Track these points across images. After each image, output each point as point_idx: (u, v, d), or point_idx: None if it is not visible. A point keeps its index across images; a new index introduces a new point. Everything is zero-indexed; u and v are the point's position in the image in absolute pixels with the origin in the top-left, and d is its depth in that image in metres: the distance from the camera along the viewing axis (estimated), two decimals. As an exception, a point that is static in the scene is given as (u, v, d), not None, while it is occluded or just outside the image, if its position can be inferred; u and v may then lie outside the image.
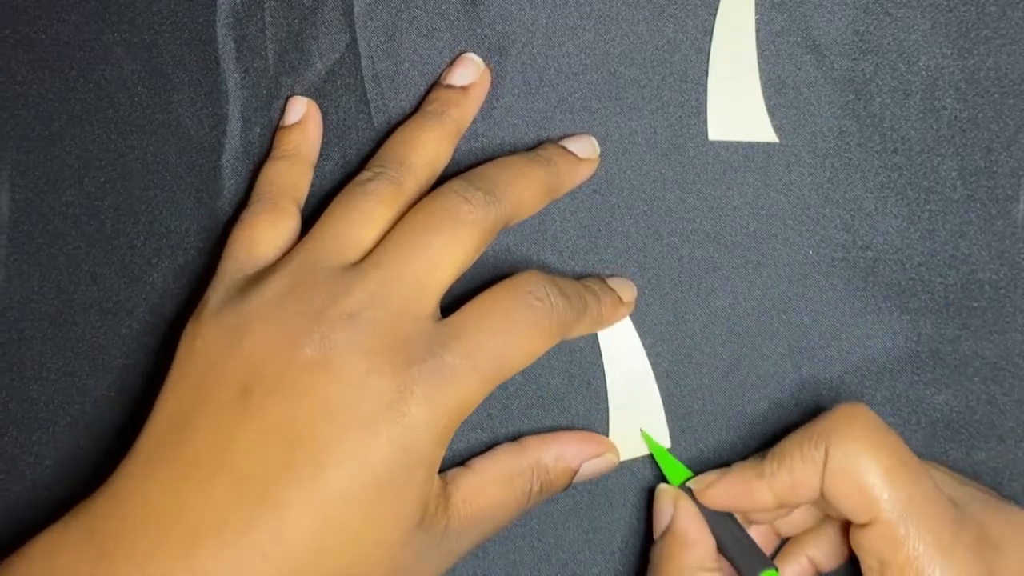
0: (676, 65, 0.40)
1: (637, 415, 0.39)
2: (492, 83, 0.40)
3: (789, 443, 0.35)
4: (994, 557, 0.33)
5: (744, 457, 0.39)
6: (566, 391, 0.40)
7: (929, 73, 0.39)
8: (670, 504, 0.37)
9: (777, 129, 0.40)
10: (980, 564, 0.32)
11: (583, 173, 0.39)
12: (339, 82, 0.41)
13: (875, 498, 0.33)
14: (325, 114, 0.40)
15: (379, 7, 0.40)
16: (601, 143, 0.40)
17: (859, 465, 0.33)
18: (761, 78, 0.40)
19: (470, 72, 0.39)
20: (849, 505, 0.33)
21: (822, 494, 0.34)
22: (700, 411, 0.40)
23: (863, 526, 0.33)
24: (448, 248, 0.34)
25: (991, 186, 0.39)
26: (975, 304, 0.39)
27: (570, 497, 0.39)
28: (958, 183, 0.39)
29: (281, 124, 0.40)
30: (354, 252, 0.35)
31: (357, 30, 0.40)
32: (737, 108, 0.40)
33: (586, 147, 0.39)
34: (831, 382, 0.39)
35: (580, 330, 0.37)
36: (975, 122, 0.39)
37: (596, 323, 0.38)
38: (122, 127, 0.41)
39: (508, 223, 0.36)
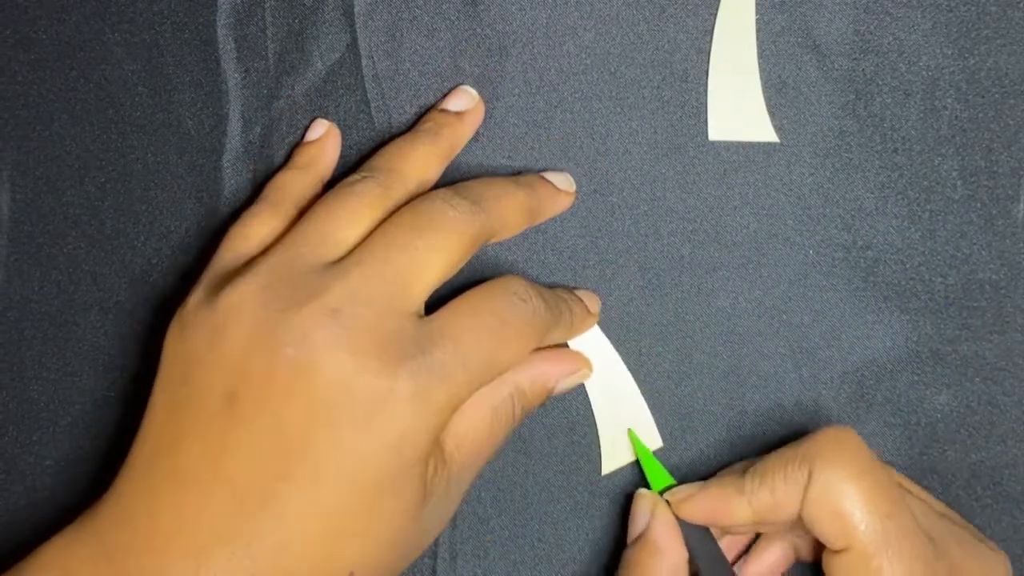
0: (676, 65, 0.40)
1: (624, 422, 0.39)
2: (492, 82, 0.40)
3: (772, 462, 0.35)
4: None
5: (744, 457, 0.39)
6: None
7: (929, 73, 0.39)
8: (647, 511, 0.37)
9: (777, 129, 0.40)
10: None
11: (562, 204, 0.39)
12: (339, 82, 0.41)
13: (853, 527, 0.33)
14: (325, 114, 0.40)
15: (380, 7, 0.40)
16: (601, 143, 0.40)
17: (841, 492, 0.33)
18: (761, 78, 0.40)
19: (464, 101, 0.40)
20: (826, 530, 0.33)
21: (800, 516, 0.34)
22: (700, 411, 0.40)
23: (837, 552, 0.33)
24: (433, 251, 0.34)
25: (991, 186, 0.39)
26: (975, 304, 0.39)
27: (570, 497, 0.39)
28: (958, 183, 0.39)
29: (303, 140, 0.40)
30: (336, 250, 0.34)
31: (357, 30, 0.40)
32: (737, 108, 0.40)
33: (564, 181, 0.39)
34: (831, 382, 0.39)
35: (555, 337, 0.37)
36: (975, 122, 0.39)
37: (568, 331, 0.38)
38: (122, 127, 0.41)
39: (490, 239, 0.36)
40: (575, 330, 0.38)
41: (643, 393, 0.40)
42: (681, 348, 0.40)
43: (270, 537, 0.31)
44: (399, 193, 0.36)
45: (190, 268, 0.40)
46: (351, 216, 0.35)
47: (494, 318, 0.34)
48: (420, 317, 0.34)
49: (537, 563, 0.39)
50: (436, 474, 0.34)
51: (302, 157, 0.40)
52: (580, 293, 0.39)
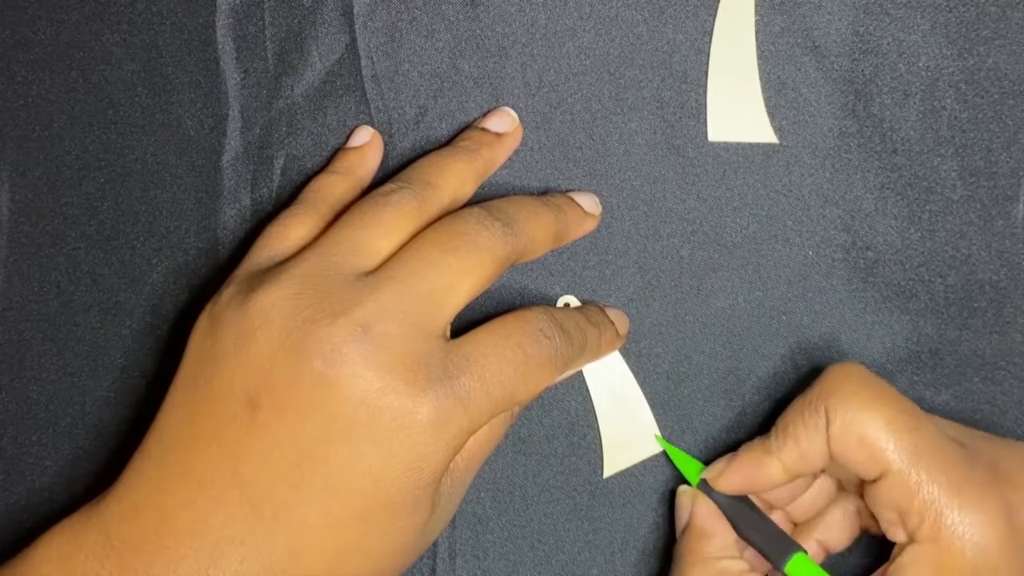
0: (676, 66, 0.40)
1: (627, 423, 0.39)
2: (492, 83, 0.40)
3: (790, 414, 0.35)
4: (1010, 490, 0.33)
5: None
6: (565, 392, 0.40)
7: (929, 73, 0.39)
8: (688, 502, 0.38)
9: (777, 130, 0.40)
10: (997, 497, 0.33)
11: (587, 226, 0.39)
12: (339, 82, 0.41)
13: (882, 450, 0.33)
14: (324, 114, 0.40)
15: (379, 7, 0.40)
16: (601, 144, 0.40)
17: (861, 421, 0.33)
18: (761, 79, 0.40)
19: (506, 123, 0.40)
20: (858, 462, 0.34)
21: (831, 457, 0.34)
22: (700, 412, 0.40)
23: (875, 481, 0.34)
24: (465, 272, 0.34)
25: (991, 186, 0.39)
26: (975, 304, 0.39)
27: (570, 498, 0.39)
28: (958, 183, 0.39)
29: (345, 146, 0.40)
30: (369, 260, 0.34)
31: (357, 30, 0.40)
32: (737, 109, 0.40)
33: (591, 203, 0.39)
34: (831, 383, 0.39)
35: (580, 363, 0.37)
36: (975, 122, 0.39)
37: (594, 356, 0.38)
38: (122, 127, 0.41)
39: (518, 260, 0.36)
40: (602, 353, 0.39)
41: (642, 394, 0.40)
42: (681, 349, 0.40)
43: (282, 545, 0.31)
44: (434, 207, 0.36)
45: (189, 268, 0.40)
46: (385, 227, 0.35)
47: (519, 352, 0.34)
48: (446, 339, 0.34)
49: (536, 564, 0.39)
50: (441, 487, 0.34)
51: (342, 163, 0.40)
52: (611, 313, 0.39)
